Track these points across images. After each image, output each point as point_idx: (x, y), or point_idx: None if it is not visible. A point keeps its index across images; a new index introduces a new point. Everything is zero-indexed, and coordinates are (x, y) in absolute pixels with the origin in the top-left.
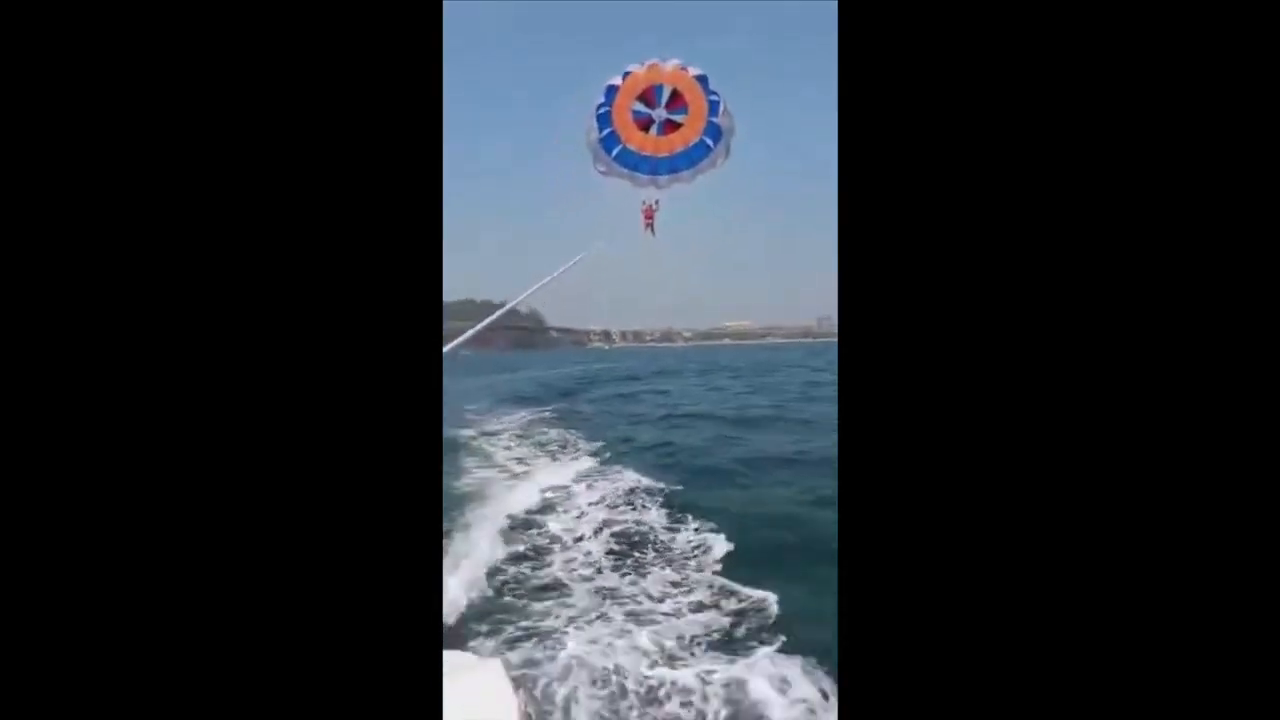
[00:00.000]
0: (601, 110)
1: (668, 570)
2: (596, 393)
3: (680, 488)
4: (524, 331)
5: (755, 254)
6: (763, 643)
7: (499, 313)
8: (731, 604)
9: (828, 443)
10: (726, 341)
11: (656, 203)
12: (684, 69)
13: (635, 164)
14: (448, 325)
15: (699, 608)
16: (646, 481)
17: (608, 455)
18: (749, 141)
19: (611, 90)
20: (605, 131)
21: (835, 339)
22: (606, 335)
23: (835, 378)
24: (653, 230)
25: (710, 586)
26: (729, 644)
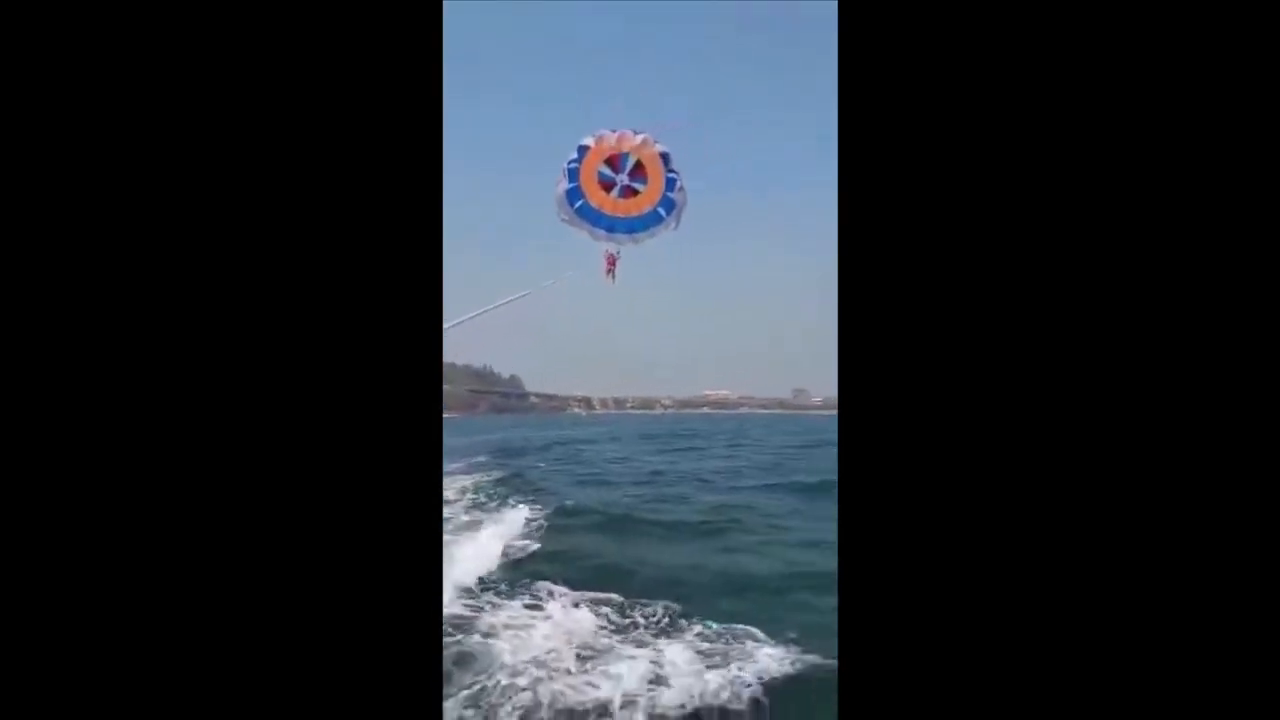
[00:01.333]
0: (571, 165)
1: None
2: (541, 456)
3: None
4: (503, 397)
5: (736, 323)
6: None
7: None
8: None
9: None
10: (705, 410)
11: (618, 252)
12: (651, 144)
13: (594, 219)
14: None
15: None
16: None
17: (507, 498)
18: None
19: (583, 149)
20: (572, 185)
21: (802, 412)
22: (587, 402)
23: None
24: (613, 278)
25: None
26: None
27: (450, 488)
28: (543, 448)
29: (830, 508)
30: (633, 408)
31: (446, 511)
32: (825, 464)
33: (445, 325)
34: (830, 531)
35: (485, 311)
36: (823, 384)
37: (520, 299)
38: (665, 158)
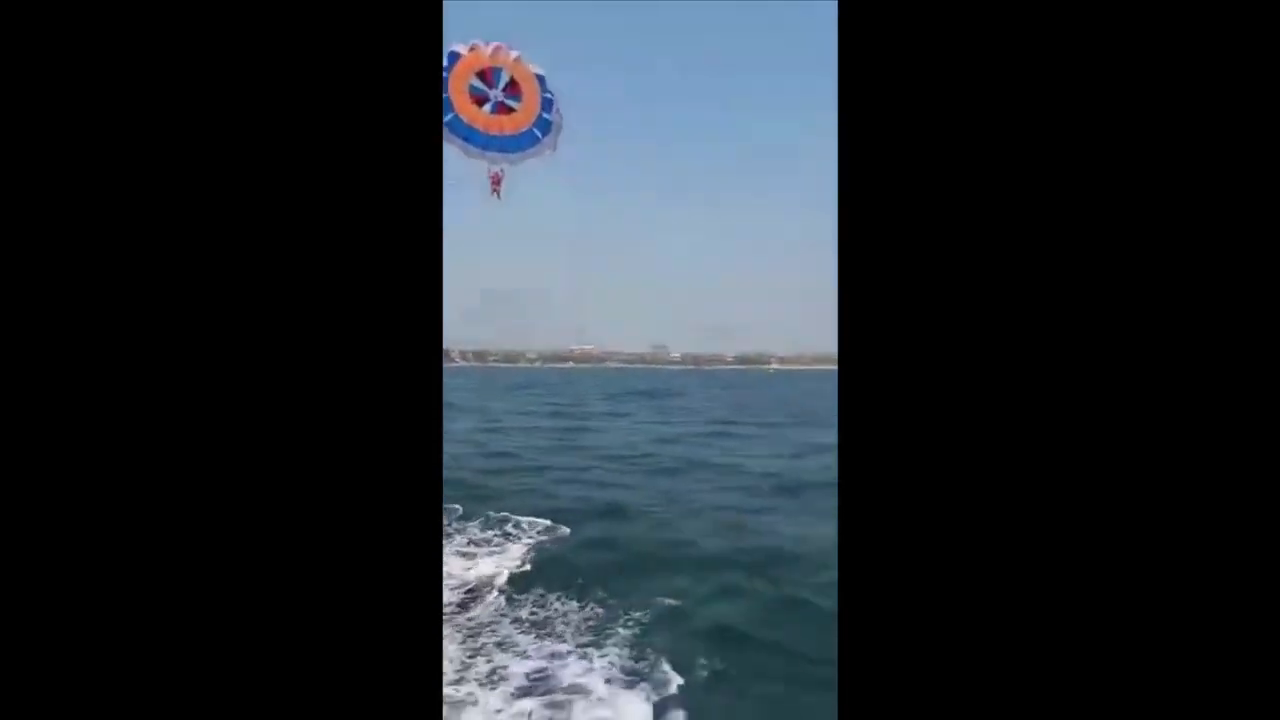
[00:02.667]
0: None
1: None
2: None
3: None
4: None
5: (604, 279)
6: None
7: None
8: None
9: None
10: (570, 365)
11: (502, 170)
12: (524, 62)
13: (466, 135)
14: None
15: None
16: None
17: None
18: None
19: (454, 56)
20: (442, 95)
21: (659, 366)
22: (446, 354)
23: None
24: (499, 195)
25: None
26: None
27: None
28: None
29: (570, 436)
30: (496, 361)
31: None
32: (605, 406)
33: None
34: (544, 431)
35: None
36: (680, 340)
37: None
38: (541, 80)
